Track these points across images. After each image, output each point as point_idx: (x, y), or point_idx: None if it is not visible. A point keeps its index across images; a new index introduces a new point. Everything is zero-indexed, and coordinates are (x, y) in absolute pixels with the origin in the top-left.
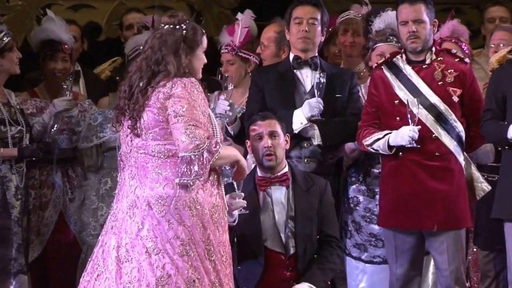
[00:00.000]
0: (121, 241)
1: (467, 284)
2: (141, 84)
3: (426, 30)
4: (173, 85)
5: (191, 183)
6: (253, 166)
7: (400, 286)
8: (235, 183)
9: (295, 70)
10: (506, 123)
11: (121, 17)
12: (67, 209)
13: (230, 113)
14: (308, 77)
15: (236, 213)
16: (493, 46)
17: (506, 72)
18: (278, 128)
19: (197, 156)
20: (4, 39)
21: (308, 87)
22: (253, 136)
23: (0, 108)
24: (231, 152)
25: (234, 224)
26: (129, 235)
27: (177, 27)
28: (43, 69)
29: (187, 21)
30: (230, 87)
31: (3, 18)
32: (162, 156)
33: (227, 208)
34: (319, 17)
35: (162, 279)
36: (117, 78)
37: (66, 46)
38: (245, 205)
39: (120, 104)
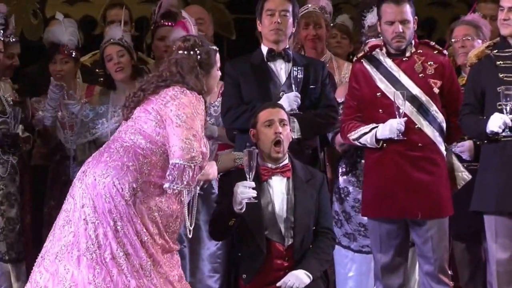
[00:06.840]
0: None
1: (449, 272)
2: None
3: (410, 30)
4: (183, 92)
5: (182, 190)
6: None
7: (386, 275)
8: (247, 173)
9: (269, 63)
10: (485, 117)
11: (104, 11)
12: None
13: None
14: (282, 69)
15: (244, 201)
16: (458, 41)
17: (485, 67)
18: (286, 118)
19: (191, 167)
20: None
21: (282, 79)
22: (262, 123)
23: None
24: (211, 171)
25: (242, 211)
26: None
27: (191, 52)
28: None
29: (200, 44)
30: None
31: None
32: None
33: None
34: (290, 9)
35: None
36: (97, 70)
37: (65, 48)
38: (255, 195)
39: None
